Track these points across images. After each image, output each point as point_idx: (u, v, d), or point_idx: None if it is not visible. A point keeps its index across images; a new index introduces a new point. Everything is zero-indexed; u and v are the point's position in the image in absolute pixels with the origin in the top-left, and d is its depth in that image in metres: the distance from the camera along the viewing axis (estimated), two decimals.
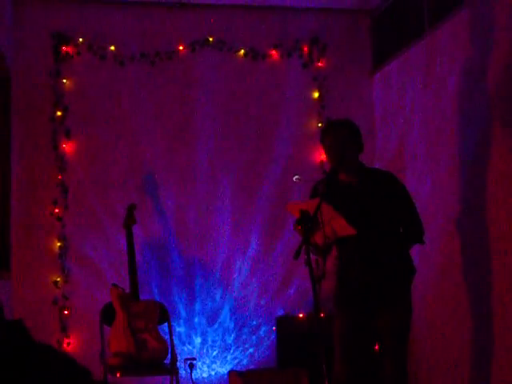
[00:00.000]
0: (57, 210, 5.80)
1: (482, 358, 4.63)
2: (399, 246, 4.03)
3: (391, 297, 3.99)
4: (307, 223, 3.68)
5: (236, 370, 5.67)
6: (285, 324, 5.74)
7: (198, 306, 5.98)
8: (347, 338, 4.00)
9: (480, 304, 4.65)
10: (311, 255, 3.51)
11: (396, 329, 3.99)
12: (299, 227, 3.66)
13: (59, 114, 5.86)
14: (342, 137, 4.00)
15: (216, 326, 6.01)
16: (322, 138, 4.09)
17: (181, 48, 6.08)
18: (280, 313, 5.93)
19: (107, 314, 5.28)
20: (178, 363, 5.24)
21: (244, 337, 6.03)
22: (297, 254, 3.57)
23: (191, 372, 5.68)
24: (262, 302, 6.04)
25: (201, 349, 5.97)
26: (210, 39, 6.12)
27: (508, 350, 4.34)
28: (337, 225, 3.70)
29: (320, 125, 6.16)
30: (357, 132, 4.07)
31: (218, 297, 6.02)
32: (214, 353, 6.00)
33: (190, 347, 5.95)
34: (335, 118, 4.31)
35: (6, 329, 1.49)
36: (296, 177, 4.12)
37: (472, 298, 4.75)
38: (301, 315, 5.76)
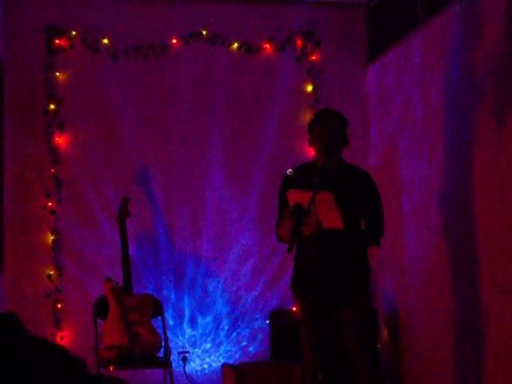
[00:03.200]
0: (50, 204, 5.79)
1: (474, 358, 4.65)
2: (358, 242, 4.06)
3: (348, 294, 4.00)
4: (300, 216, 3.69)
5: (229, 364, 5.67)
6: (278, 317, 5.74)
7: (191, 300, 5.98)
8: (308, 325, 4.00)
9: (469, 305, 4.66)
10: None
11: (358, 328, 3.99)
12: (289, 218, 3.70)
13: (52, 107, 5.84)
14: (335, 126, 4.03)
15: (209, 319, 6.01)
16: (312, 125, 4.09)
17: (174, 41, 6.07)
18: (274, 306, 5.93)
19: (100, 308, 5.28)
20: (171, 356, 5.24)
21: (238, 330, 6.04)
22: (290, 247, 3.58)
23: (184, 365, 5.69)
24: (256, 295, 6.05)
25: (194, 342, 5.97)
26: (204, 32, 6.11)
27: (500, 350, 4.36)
28: (327, 217, 3.72)
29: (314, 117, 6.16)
30: (346, 124, 4.10)
31: (211, 290, 6.02)
32: (208, 346, 6.00)
33: (184, 340, 5.95)
34: (327, 108, 4.31)
35: None
36: (289, 170, 4.13)
37: (462, 296, 4.77)
38: (294, 308, 5.76)
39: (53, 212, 5.78)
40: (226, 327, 6.03)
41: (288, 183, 4.06)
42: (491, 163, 4.42)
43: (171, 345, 5.48)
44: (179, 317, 5.96)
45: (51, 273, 5.76)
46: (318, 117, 4.15)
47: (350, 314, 3.99)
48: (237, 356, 6.00)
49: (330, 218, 3.71)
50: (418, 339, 5.44)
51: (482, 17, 4.57)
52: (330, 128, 4.01)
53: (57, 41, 5.89)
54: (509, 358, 4.25)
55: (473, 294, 4.62)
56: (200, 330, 6.00)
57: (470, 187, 4.67)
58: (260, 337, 6.02)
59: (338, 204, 3.69)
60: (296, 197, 3.76)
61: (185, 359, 5.68)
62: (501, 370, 4.33)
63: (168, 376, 5.18)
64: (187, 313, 5.98)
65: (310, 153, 6.15)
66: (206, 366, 5.98)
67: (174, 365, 5.36)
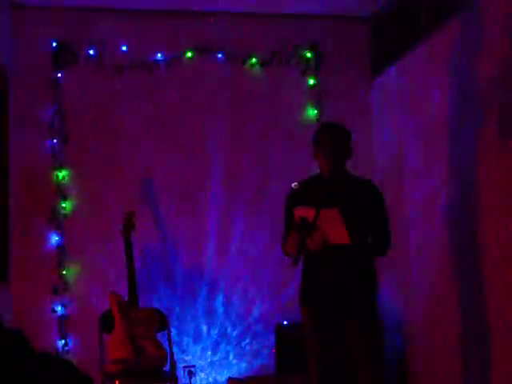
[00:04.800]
0: (55, 217, 5.79)
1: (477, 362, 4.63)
2: (366, 255, 4.06)
3: (356, 307, 4.01)
4: (305, 230, 3.71)
5: (235, 377, 5.66)
6: (284, 331, 5.73)
7: (197, 314, 5.98)
8: (313, 336, 4.02)
9: (475, 308, 4.64)
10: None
11: (367, 341, 4.00)
12: (295, 233, 3.72)
13: (58, 120, 5.86)
14: (339, 137, 4.07)
15: (215, 333, 6.00)
16: (317, 137, 4.11)
17: (179, 55, 6.09)
18: (279, 319, 5.92)
19: (106, 322, 5.28)
20: (177, 370, 5.23)
21: (243, 344, 6.03)
22: (296, 262, 3.59)
23: (190, 379, 5.67)
24: (262, 309, 6.04)
25: (200, 356, 5.97)
26: (209, 46, 6.13)
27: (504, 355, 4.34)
28: (334, 233, 3.73)
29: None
30: (350, 136, 4.13)
31: (217, 304, 6.01)
32: (214, 360, 5.99)
33: (189, 355, 5.94)
34: (330, 121, 4.34)
35: (5, 338, 1.49)
36: (294, 184, 4.14)
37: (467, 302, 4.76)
38: (302, 321, 5.74)
39: (58, 226, 5.79)
40: (232, 341, 6.02)
41: (293, 198, 4.08)
42: (495, 175, 4.42)
43: (177, 359, 5.47)
44: (185, 331, 5.95)
45: (56, 286, 5.76)
46: (322, 129, 4.17)
47: (358, 328, 3.99)
48: (242, 370, 5.99)
49: (337, 234, 3.73)
50: (423, 352, 5.42)
51: (484, 28, 4.58)
52: (334, 139, 4.05)
53: (62, 55, 5.92)
54: None
55: (479, 306, 4.61)
56: (206, 344, 5.99)
57: (475, 199, 4.67)
58: (266, 350, 6.00)
59: (344, 216, 3.72)
60: (303, 214, 3.78)
61: (191, 373, 5.67)
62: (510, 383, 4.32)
63: None
64: (193, 326, 5.97)
65: (314, 165, 6.16)
66: (211, 380, 5.97)
67: (179, 379, 5.35)
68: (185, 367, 5.67)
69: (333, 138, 4.05)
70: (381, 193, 4.17)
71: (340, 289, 3.97)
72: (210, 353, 5.99)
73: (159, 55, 6.06)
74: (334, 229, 3.72)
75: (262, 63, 6.20)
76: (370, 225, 4.05)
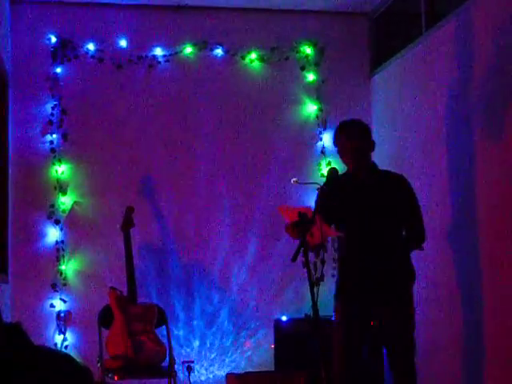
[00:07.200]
0: (54, 213, 5.80)
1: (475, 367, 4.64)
2: (400, 249, 4.10)
3: (391, 297, 4.05)
4: (305, 225, 3.71)
5: (234, 373, 5.66)
6: (283, 327, 5.73)
7: (196, 309, 5.98)
8: (344, 326, 4.07)
9: (474, 313, 4.65)
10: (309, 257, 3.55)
11: (398, 329, 4.05)
12: (294, 229, 3.72)
13: (57, 116, 5.86)
14: (359, 132, 4.13)
15: (214, 328, 6.01)
16: (337, 137, 4.15)
17: (178, 51, 6.08)
18: (278, 316, 5.93)
19: (105, 317, 5.27)
20: (175, 366, 5.23)
21: (242, 339, 6.03)
22: (295, 256, 3.59)
23: (189, 375, 5.68)
24: (260, 305, 6.04)
25: (199, 351, 5.97)
26: (208, 42, 6.12)
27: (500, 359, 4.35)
28: (324, 228, 3.80)
29: (318, 127, 6.18)
30: (369, 131, 4.21)
31: (216, 300, 6.01)
32: (212, 355, 6.00)
33: (188, 350, 5.94)
34: (347, 119, 4.31)
35: (3, 333, 1.49)
36: (294, 179, 4.15)
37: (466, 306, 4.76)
38: (299, 318, 5.75)
39: (57, 221, 5.80)
40: (231, 336, 6.02)
41: (325, 195, 4.12)
42: (498, 172, 4.42)
43: (176, 354, 5.47)
44: (184, 326, 5.96)
45: (56, 282, 5.76)
46: (339, 129, 4.20)
47: (391, 314, 4.04)
48: (241, 365, 6.00)
49: (326, 229, 3.78)
50: (427, 363, 5.43)
51: (483, 25, 4.58)
52: (351, 138, 4.09)
53: (62, 50, 5.91)
54: None
55: (481, 318, 4.61)
56: (204, 340, 5.99)
57: (474, 198, 4.67)
58: (264, 346, 6.00)
59: (371, 209, 3.96)
60: (287, 212, 3.86)
61: (189, 369, 5.67)
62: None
63: None
64: (192, 322, 5.98)
65: (315, 161, 6.17)
66: (210, 376, 5.98)
67: (178, 374, 5.35)
68: (183, 362, 5.68)
69: (350, 138, 4.09)
70: (411, 187, 4.19)
71: (376, 277, 4.01)
72: (208, 348, 5.99)
73: (159, 50, 6.05)
74: (323, 226, 3.80)
75: (262, 59, 6.20)
76: (401, 217, 4.09)
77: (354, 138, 4.09)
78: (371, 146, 4.18)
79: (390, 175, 4.25)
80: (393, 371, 4.09)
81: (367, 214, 4.04)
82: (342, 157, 4.17)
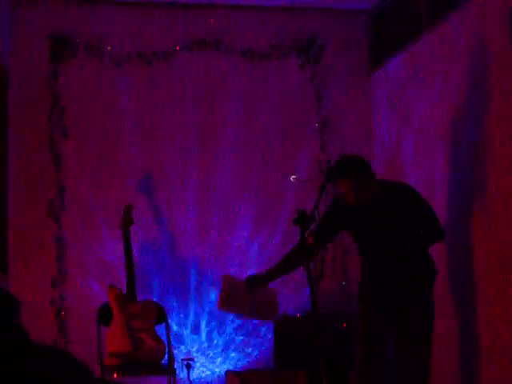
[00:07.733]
0: (54, 211, 5.79)
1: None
2: (420, 249, 4.16)
3: (413, 296, 4.10)
4: (305, 223, 3.72)
5: (233, 370, 5.66)
6: (283, 324, 5.73)
7: (195, 307, 5.98)
8: (367, 319, 4.16)
9: (468, 313, 4.65)
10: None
11: (416, 328, 4.10)
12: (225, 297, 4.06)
13: (56, 114, 5.86)
14: (357, 182, 3.98)
15: (213, 326, 6.01)
16: (333, 181, 4.04)
17: (177, 48, 6.08)
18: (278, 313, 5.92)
19: (104, 315, 5.28)
20: (175, 363, 5.24)
21: (242, 337, 6.03)
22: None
23: (188, 372, 5.68)
24: None
25: (198, 349, 5.97)
26: (208, 39, 6.12)
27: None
28: None
29: (317, 125, 6.17)
30: (368, 168, 4.08)
31: (215, 297, 6.01)
32: (212, 353, 6.00)
33: (188, 347, 5.94)
34: (344, 157, 4.18)
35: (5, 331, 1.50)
36: (293, 176, 4.15)
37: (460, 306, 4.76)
38: (299, 316, 5.75)
39: (57, 219, 5.79)
40: (230, 334, 6.02)
41: (335, 215, 4.22)
42: (498, 171, 4.42)
43: (175, 351, 5.48)
44: (183, 323, 5.96)
45: (55, 280, 5.76)
46: (337, 175, 4.03)
47: (410, 313, 4.11)
48: (241, 363, 6.00)
49: None
50: None
51: (484, 22, 4.57)
52: (343, 187, 3.99)
53: (61, 48, 5.91)
54: None
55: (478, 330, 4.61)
56: (204, 337, 5.99)
57: (473, 197, 4.67)
58: (264, 344, 6.00)
59: (383, 228, 4.03)
60: (229, 282, 4.22)
61: (189, 366, 5.67)
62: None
63: (172, 383, 5.17)
64: (191, 319, 5.98)
65: (313, 159, 6.16)
66: (210, 373, 5.98)
67: (177, 372, 5.35)
68: (183, 360, 5.68)
69: (347, 183, 3.97)
70: (416, 194, 4.20)
71: (397, 279, 4.09)
72: (208, 346, 5.99)
73: (158, 48, 6.04)
74: None
75: (261, 56, 6.19)
76: (416, 226, 4.12)
77: (342, 190, 4.00)
78: (368, 183, 4.02)
79: (392, 189, 4.19)
80: (403, 372, 4.10)
81: (379, 237, 4.09)
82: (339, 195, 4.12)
